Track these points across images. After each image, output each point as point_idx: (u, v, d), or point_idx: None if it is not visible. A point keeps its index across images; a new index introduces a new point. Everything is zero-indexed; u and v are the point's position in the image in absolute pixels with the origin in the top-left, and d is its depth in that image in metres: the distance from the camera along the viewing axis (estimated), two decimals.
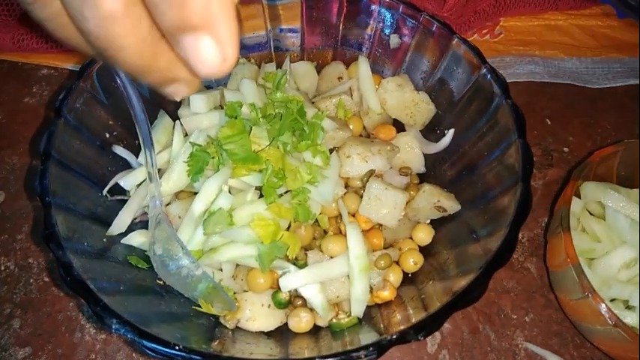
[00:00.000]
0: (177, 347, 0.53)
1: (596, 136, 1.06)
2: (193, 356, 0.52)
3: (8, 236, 0.91)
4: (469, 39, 1.14)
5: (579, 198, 0.84)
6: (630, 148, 0.82)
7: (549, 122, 1.07)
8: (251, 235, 0.69)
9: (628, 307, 0.77)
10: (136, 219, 0.76)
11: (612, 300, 0.78)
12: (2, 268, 0.88)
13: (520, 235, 0.91)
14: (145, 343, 0.53)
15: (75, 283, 0.57)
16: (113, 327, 0.54)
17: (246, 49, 0.95)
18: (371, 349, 0.54)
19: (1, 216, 0.94)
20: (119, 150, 0.79)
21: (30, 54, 1.12)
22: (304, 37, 0.94)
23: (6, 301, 0.84)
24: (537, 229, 0.93)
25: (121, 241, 0.73)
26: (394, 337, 0.55)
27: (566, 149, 1.04)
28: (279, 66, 0.94)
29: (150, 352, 0.54)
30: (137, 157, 0.81)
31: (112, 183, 0.75)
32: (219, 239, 0.71)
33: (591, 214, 0.85)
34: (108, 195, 0.75)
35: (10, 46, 1.09)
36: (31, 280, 0.87)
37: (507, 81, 0.77)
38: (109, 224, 0.73)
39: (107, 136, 0.78)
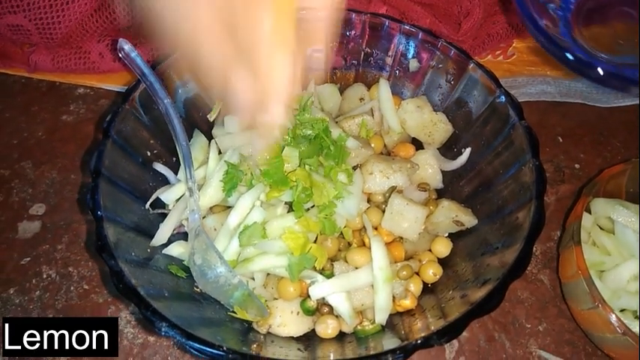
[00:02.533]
0: (222, 348, 0.58)
1: (606, 153, 1.10)
2: (238, 357, 0.57)
3: (49, 246, 0.97)
4: (483, 59, 1.21)
5: (590, 213, 0.88)
6: (638, 166, 0.86)
7: (561, 140, 1.12)
8: (282, 247, 0.75)
9: (637, 317, 0.81)
10: (174, 231, 0.82)
11: (622, 310, 0.82)
12: (44, 276, 0.93)
13: (534, 249, 0.95)
14: (192, 344, 0.58)
15: (127, 290, 0.63)
16: (163, 330, 0.59)
17: None
18: (398, 352, 0.59)
19: (42, 227, 1.00)
20: (159, 167, 0.85)
21: (67, 74, 1.19)
22: (328, 59, 1.00)
23: (48, 307, 0.90)
24: (550, 242, 0.97)
25: (162, 252, 0.79)
26: (419, 341, 0.60)
27: (577, 166, 1.08)
28: (303, 88, 1.00)
29: (196, 353, 0.59)
30: (175, 174, 0.87)
31: (153, 197, 0.81)
32: (253, 250, 0.76)
33: (601, 228, 0.89)
34: (150, 209, 0.81)
35: (50, 67, 1.16)
36: (72, 288, 0.92)
37: (520, 100, 0.81)
38: (151, 235, 0.79)
39: (148, 154, 0.84)
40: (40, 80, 1.21)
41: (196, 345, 0.58)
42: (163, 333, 0.60)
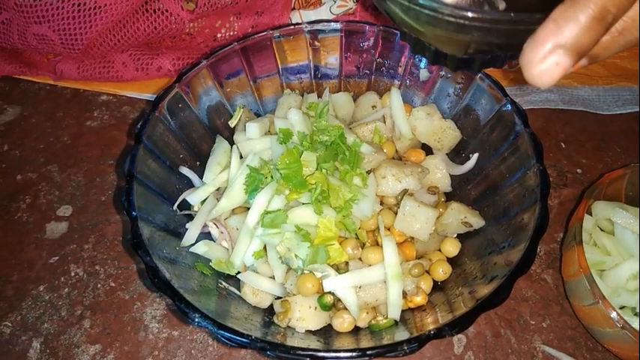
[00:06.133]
0: (250, 337, 0.63)
1: (607, 159, 1.15)
2: (265, 345, 0.62)
3: (77, 246, 1.02)
4: (488, 69, 1.25)
5: (591, 215, 0.93)
6: (637, 170, 0.91)
7: (564, 146, 1.17)
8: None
9: (636, 314, 0.86)
10: None
11: (622, 308, 0.87)
12: (72, 274, 0.98)
13: (538, 249, 1.00)
14: (224, 333, 0.63)
15: (162, 284, 0.68)
16: (196, 320, 0.64)
17: (291, 77, 1.06)
18: (413, 342, 0.64)
19: (69, 228, 1.05)
20: (185, 170, 0.91)
21: (91, 82, 1.24)
22: (342, 68, 1.05)
23: (77, 303, 0.95)
24: (553, 243, 1.02)
25: (189, 250, 0.84)
26: (432, 332, 0.65)
27: (579, 171, 1.13)
28: (319, 96, 1.05)
29: (226, 341, 0.64)
30: (200, 177, 0.92)
31: (180, 199, 0.86)
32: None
33: (602, 230, 0.94)
34: (177, 210, 0.86)
35: (75, 75, 1.21)
36: (99, 285, 0.97)
37: (524, 108, 0.85)
38: (177, 235, 0.84)
39: (174, 158, 0.90)
40: (64, 87, 1.27)
41: (227, 334, 0.63)
42: (196, 323, 0.65)
